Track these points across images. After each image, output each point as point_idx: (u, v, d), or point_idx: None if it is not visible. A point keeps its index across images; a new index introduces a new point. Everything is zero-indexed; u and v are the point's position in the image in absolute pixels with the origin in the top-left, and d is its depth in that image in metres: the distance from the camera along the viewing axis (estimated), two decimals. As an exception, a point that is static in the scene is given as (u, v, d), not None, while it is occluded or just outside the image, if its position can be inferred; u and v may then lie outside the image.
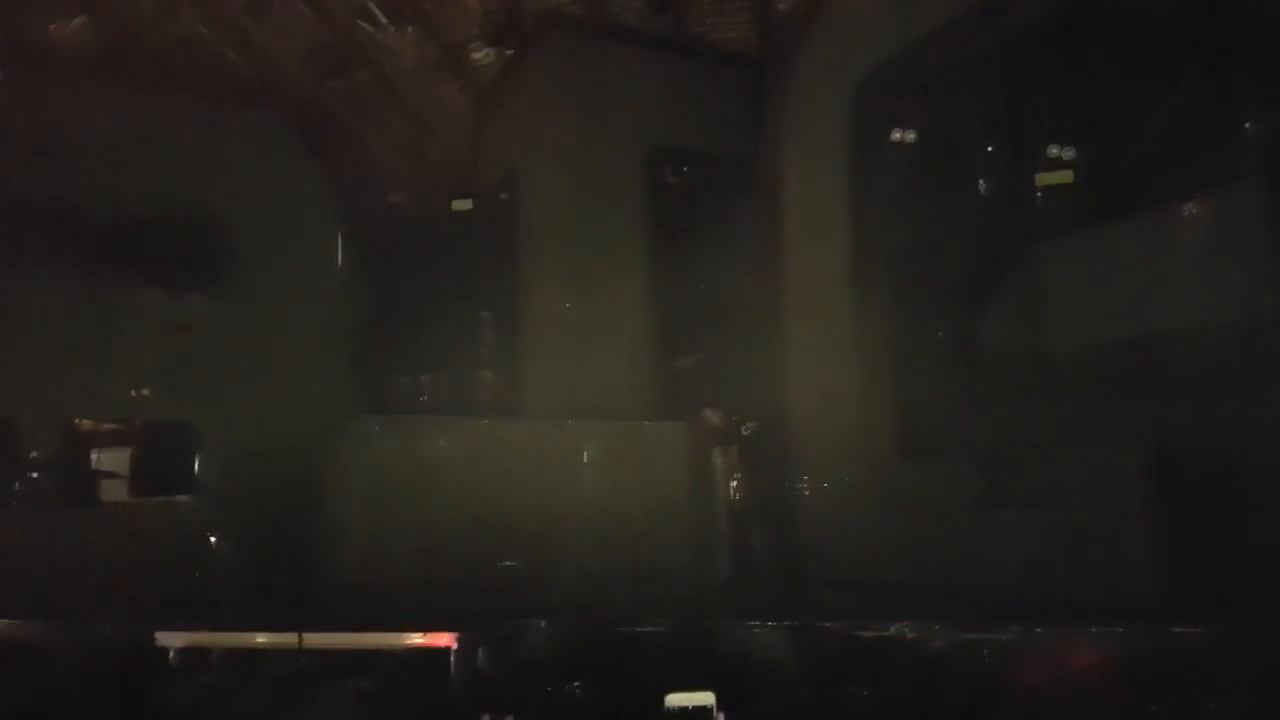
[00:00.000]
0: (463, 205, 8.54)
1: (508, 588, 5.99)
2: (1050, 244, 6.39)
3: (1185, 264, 5.66)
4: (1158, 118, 6.21)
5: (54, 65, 8.32)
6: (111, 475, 8.36)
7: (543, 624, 5.15)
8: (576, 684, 4.85)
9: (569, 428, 6.76)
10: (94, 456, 8.43)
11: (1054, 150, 6.43)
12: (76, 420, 8.40)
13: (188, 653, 4.96)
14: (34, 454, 8.07)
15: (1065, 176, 6.39)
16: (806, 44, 7.17)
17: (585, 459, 6.55)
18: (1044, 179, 6.43)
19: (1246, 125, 5.34)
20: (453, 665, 4.79)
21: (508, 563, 6.07)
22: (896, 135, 6.73)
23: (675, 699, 4.47)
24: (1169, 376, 5.52)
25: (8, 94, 8.28)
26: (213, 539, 6.92)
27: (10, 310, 7.53)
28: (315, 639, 4.89)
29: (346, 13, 9.91)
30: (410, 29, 9.88)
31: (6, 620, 5.60)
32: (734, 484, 7.16)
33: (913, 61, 6.47)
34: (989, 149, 6.64)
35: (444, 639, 4.79)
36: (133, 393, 7.63)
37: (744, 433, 7.35)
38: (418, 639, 4.83)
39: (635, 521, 6.43)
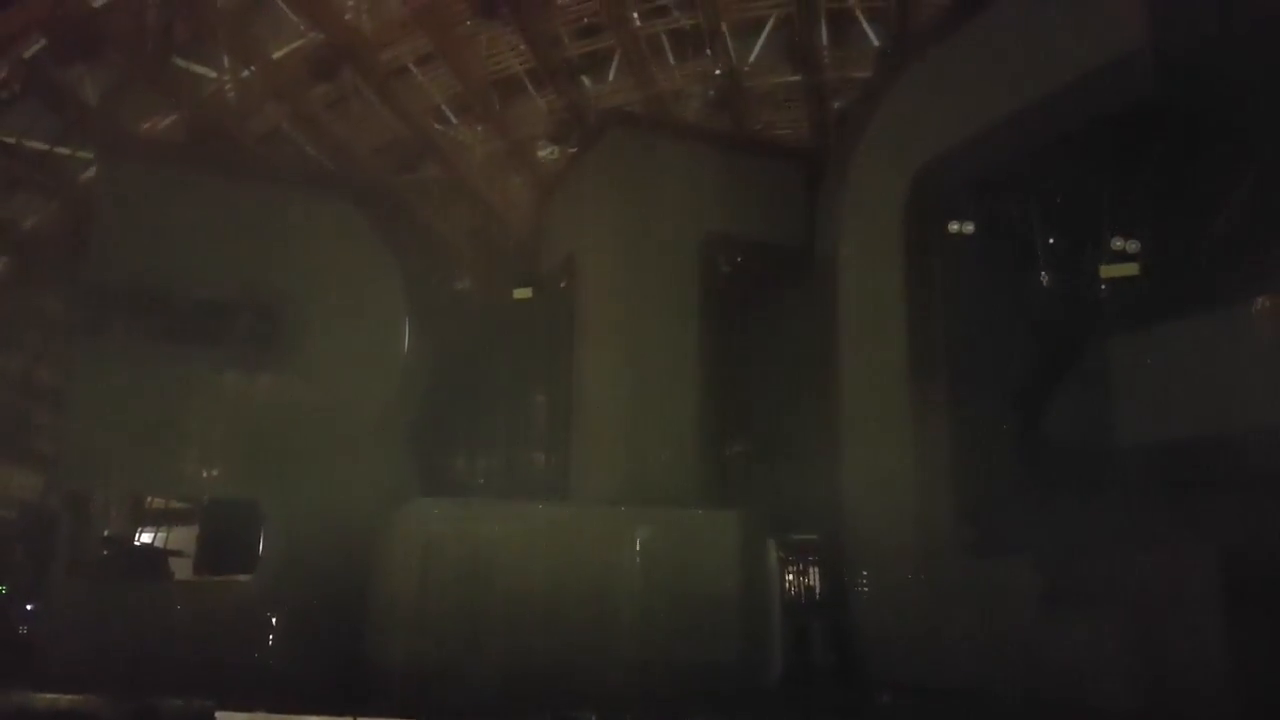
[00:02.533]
0: (524, 294, 8.77)
1: (559, 673, 5.93)
2: (1114, 338, 6.28)
3: (1254, 359, 5.52)
4: (1225, 213, 6.14)
5: (146, 157, 8.82)
6: (175, 553, 8.57)
7: (593, 718, 5.09)
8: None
9: (622, 514, 6.75)
10: (159, 534, 8.66)
11: (1118, 243, 6.38)
12: (144, 498, 8.67)
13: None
14: (101, 530, 8.31)
15: (1130, 269, 6.32)
16: (863, 138, 7.30)
17: (637, 546, 6.51)
18: (1108, 271, 6.36)
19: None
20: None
21: (558, 648, 6.03)
22: (953, 228, 6.75)
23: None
24: (1240, 476, 5.33)
25: (101, 184, 8.87)
26: (272, 618, 7.00)
27: (84, 389, 7.89)
28: (368, 725, 4.90)
29: (421, 111, 10.53)
30: (480, 127, 10.44)
31: (72, 694, 5.73)
32: (789, 577, 7.01)
33: (969, 156, 6.52)
34: (1048, 242, 6.63)
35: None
36: (199, 472, 7.85)
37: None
38: (469, 729, 4.80)
39: (686, 611, 6.33)
